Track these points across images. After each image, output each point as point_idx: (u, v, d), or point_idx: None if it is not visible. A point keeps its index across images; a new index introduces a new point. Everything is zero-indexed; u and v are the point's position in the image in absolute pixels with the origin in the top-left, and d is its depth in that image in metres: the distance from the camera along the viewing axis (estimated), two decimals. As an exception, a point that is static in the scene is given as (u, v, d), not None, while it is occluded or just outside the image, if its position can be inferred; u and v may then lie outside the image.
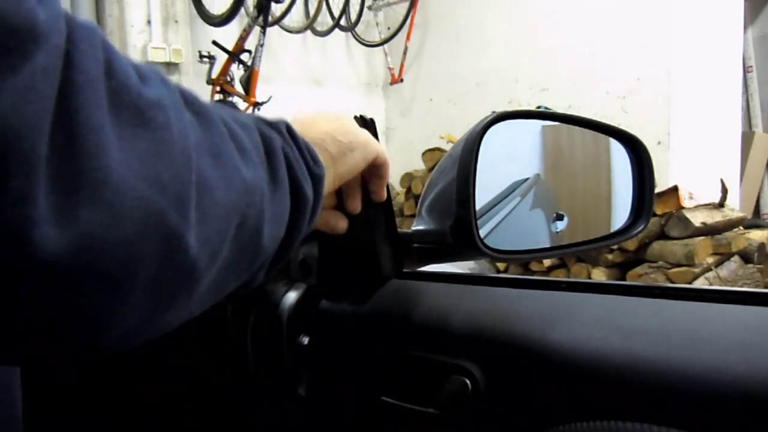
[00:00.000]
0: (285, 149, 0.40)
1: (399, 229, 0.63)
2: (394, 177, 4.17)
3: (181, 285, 0.30)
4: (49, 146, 0.23)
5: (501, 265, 3.29)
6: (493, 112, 0.64)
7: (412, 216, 3.73)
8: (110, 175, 0.25)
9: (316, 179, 0.43)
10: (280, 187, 0.38)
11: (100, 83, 0.26)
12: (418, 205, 0.68)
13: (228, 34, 3.80)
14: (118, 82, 0.27)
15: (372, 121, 0.61)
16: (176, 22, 3.65)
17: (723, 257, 3.16)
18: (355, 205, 0.61)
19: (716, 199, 3.33)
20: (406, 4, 4.53)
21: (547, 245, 0.73)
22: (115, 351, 0.30)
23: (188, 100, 0.33)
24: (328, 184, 0.49)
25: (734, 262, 3.18)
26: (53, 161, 0.23)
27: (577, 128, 0.72)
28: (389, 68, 4.90)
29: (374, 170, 0.58)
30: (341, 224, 0.61)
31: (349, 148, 0.53)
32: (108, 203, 0.25)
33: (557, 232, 0.72)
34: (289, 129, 0.43)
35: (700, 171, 3.74)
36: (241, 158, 0.34)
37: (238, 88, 3.78)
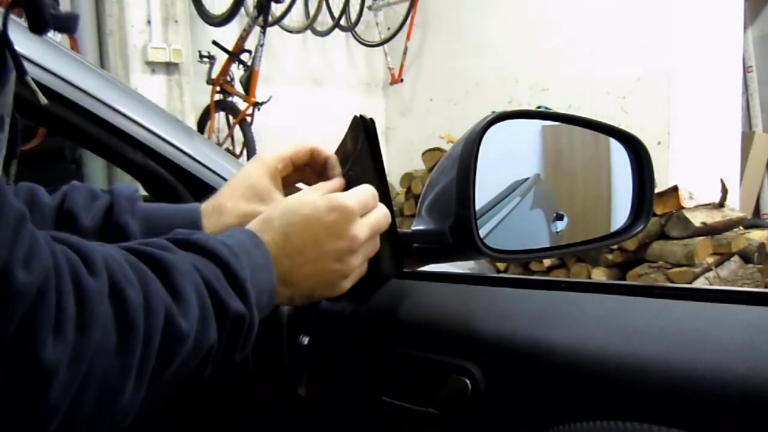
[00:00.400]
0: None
1: (399, 229, 0.63)
2: (394, 177, 4.17)
3: None
4: None
5: (501, 265, 3.29)
6: (493, 112, 0.64)
7: (412, 216, 3.74)
8: None
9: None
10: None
11: None
12: (418, 205, 0.68)
13: (228, 34, 3.80)
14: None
15: (372, 121, 0.61)
16: (176, 22, 3.65)
17: (723, 257, 3.16)
18: None
19: (716, 199, 3.33)
20: (406, 4, 4.53)
21: (547, 245, 0.73)
22: None
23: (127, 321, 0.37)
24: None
25: (734, 262, 3.18)
26: None
27: (577, 128, 0.72)
28: (389, 68, 4.90)
29: None
30: None
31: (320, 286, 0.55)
32: None
33: (557, 232, 0.72)
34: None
35: (700, 171, 3.74)
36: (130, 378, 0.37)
37: (238, 88, 3.78)
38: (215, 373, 0.46)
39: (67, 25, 0.49)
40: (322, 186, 0.60)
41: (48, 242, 0.35)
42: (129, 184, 0.69)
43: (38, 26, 0.47)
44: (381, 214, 0.58)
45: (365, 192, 0.57)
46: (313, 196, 0.55)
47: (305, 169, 0.68)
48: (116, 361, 0.36)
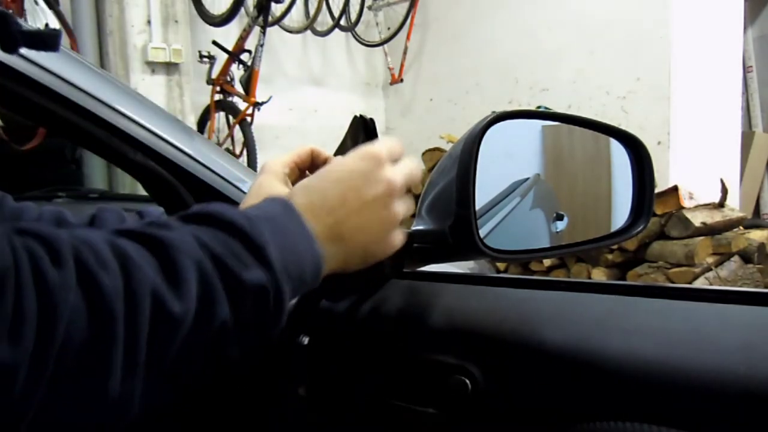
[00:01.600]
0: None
1: (399, 229, 0.63)
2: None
3: None
4: None
5: (501, 265, 3.29)
6: (493, 112, 0.64)
7: (412, 216, 3.73)
8: None
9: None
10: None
11: None
12: (418, 205, 0.68)
13: (228, 34, 3.80)
14: None
15: (372, 121, 0.61)
16: (176, 22, 3.65)
17: (723, 257, 3.16)
18: None
19: (716, 199, 3.33)
20: (406, 4, 4.53)
21: (547, 245, 0.73)
22: None
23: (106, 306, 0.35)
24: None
25: (734, 262, 3.17)
26: None
27: (577, 128, 0.72)
28: (389, 68, 4.90)
29: None
30: None
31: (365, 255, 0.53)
32: None
33: (557, 232, 0.72)
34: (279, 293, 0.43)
35: (700, 171, 3.73)
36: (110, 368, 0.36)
37: (238, 88, 3.78)
38: (251, 352, 0.44)
39: (46, 42, 0.47)
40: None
41: (9, 238, 0.33)
42: (157, 208, 0.68)
43: (7, 45, 0.46)
44: (411, 164, 0.56)
45: (390, 141, 0.56)
46: (338, 159, 0.55)
47: (306, 174, 0.68)
48: (92, 353, 0.35)
